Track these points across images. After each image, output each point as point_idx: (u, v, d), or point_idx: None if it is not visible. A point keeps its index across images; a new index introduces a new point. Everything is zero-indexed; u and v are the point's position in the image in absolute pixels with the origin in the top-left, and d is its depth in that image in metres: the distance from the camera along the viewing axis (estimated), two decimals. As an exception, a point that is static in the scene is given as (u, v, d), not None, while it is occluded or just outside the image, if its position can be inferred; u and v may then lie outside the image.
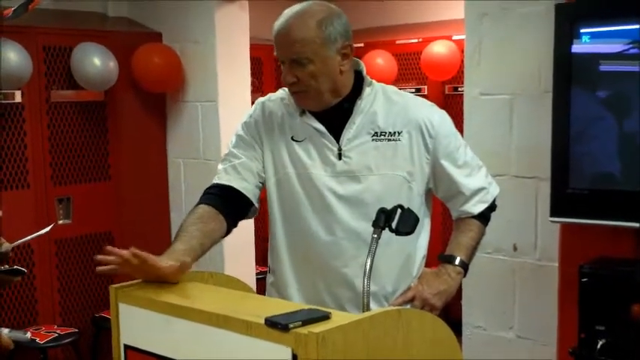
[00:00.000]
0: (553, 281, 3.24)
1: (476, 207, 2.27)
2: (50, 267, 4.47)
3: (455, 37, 5.29)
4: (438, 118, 2.22)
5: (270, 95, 2.32)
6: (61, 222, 4.53)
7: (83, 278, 4.62)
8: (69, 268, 4.57)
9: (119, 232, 4.79)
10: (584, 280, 2.82)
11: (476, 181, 2.27)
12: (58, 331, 4.18)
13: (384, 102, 2.20)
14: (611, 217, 2.88)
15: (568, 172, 2.98)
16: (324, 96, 2.14)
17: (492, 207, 2.33)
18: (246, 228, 4.75)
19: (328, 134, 2.17)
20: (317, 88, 2.12)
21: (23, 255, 4.27)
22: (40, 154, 4.39)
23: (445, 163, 2.21)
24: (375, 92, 2.21)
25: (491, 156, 3.37)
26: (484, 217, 2.31)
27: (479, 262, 3.53)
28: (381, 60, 5.64)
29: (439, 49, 5.35)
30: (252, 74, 5.02)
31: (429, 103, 2.29)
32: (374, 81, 2.24)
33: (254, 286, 3.69)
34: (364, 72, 2.23)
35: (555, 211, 3.03)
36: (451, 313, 2.96)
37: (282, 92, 2.29)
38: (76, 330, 4.27)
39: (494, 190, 2.32)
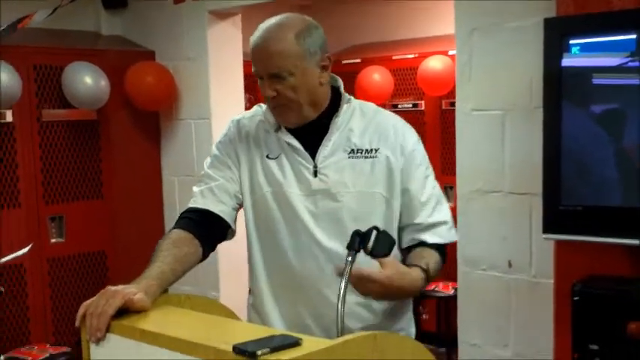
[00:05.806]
0: (549, 298, 3.19)
1: (431, 238, 2.15)
2: (43, 286, 4.46)
3: (451, 52, 5.24)
4: (413, 142, 2.19)
5: (245, 113, 2.29)
6: (53, 240, 4.52)
7: (76, 297, 4.60)
8: (62, 286, 4.56)
9: (112, 251, 4.78)
10: (577, 298, 2.77)
11: (437, 214, 2.17)
12: (50, 351, 4.13)
13: (360, 119, 2.16)
14: (605, 233, 2.83)
15: (560, 189, 2.94)
16: (304, 109, 2.10)
17: (445, 249, 2.20)
18: (241, 247, 4.70)
19: (303, 151, 2.13)
20: (297, 101, 2.07)
21: (15, 274, 4.26)
22: (32, 173, 4.39)
23: (411, 188, 2.15)
24: (353, 109, 2.17)
25: (485, 172, 3.35)
26: (440, 252, 2.17)
27: (474, 279, 3.50)
28: (377, 75, 5.62)
29: (435, 64, 5.32)
30: (246, 90, 4.99)
31: (407, 124, 2.24)
32: (352, 98, 2.20)
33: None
34: (342, 88, 2.20)
35: (548, 228, 2.98)
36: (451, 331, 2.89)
37: (257, 109, 2.26)
38: (69, 349, 4.23)
39: (453, 233, 2.21)
